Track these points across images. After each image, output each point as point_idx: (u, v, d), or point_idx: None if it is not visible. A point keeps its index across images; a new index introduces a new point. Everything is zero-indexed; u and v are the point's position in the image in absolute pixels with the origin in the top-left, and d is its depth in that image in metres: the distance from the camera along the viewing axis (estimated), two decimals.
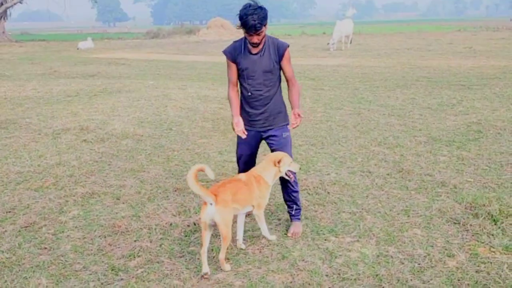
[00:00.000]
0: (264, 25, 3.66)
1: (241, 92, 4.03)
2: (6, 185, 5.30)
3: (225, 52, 3.95)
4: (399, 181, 5.24)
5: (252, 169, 3.91)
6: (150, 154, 6.39)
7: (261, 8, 3.63)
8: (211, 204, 3.39)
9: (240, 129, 3.92)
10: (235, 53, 3.89)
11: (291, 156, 3.96)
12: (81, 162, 6.03)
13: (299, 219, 4.20)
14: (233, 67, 3.94)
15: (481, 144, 6.49)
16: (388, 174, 5.46)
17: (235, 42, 3.95)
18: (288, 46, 3.93)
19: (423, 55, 19.46)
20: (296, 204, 4.18)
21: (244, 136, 3.93)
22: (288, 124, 4.08)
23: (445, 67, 15.16)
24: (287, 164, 3.85)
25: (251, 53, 3.84)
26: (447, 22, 68.86)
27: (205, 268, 3.47)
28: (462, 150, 6.23)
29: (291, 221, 4.22)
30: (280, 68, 3.94)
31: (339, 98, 10.22)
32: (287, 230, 4.11)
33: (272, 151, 4.03)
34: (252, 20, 3.57)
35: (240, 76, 3.97)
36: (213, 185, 3.64)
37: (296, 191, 4.16)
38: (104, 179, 5.47)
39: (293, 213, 4.19)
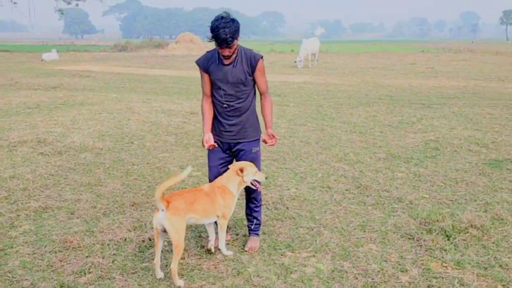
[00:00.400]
0: (236, 39, 3.62)
1: (214, 103, 3.95)
2: None
3: (197, 62, 3.91)
4: (357, 197, 5.30)
5: (216, 179, 3.87)
6: (108, 168, 6.26)
7: (233, 20, 3.59)
8: (162, 210, 3.39)
9: (210, 144, 3.87)
10: (207, 63, 3.84)
11: (259, 170, 3.94)
12: (36, 175, 5.86)
13: (257, 234, 4.18)
14: (206, 77, 3.88)
15: (437, 161, 6.64)
16: (347, 190, 5.52)
17: (208, 52, 3.91)
18: (262, 57, 3.89)
19: (387, 74, 19.93)
20: (257, 219, 4.15)
21: (210, 148, 3.91)
22: (259, 139, 4.04)
23: (407, 86, 15.56)
24: (251, 173, 3.82)
25: (223, 64, 3.79)
26: (412, 43, 71.01)
27: (159, 274, 3.51)
28: (419, 167, 6.36)
29: (249, 235, 4.18)
30: (254, 80, 3.89)
31: (303, 115, 10.32)
32: (244, 246, 4.08)
33: None
34: (223, 34, 3.52)
35: (212, 86, 3.90)
36: (171, 193, 3.62)
37: (259, 206, 4.15)
38: (59, 193, 5.32)
39: (252, 227, 4.15)
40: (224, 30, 3.51)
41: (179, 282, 3.46)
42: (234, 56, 3.76)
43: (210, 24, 3.60)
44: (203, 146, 3.92)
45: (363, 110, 10.80)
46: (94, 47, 47.60)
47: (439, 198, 5.22)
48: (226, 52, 3.66)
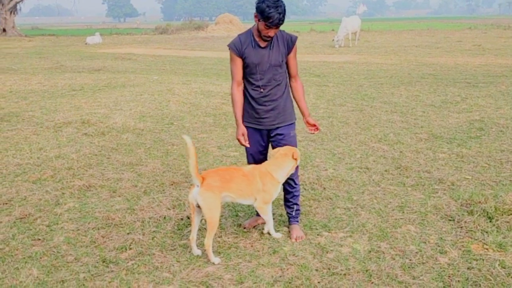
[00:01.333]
0: (283, 22, 3.54)
1: (247, 89, 3.81)
2: (5, 177, 5.34)
3: (230, 46, 3.70)
4: (397, 178, 5.21)
5: (263, 164, 3.79)
6: (149, 148, 6.41)
7: (281, 0, 3.50)
8: (197, 186, 3.46)
9: (246, 141, 3.80)
10: (241, 47, 3.66)
11: None
12: (80, 155, 6.06)
13: (298, 221, 4.05)
14: (239, 62, 3.71)
15: (482, 141, 6.43)
16: (386, 171, 5.43)
17: (240, 35, 3.74)
18: (297, 38, 3.79)
19: (431, 52, 19.31)
20: (297, 205, 4.02)
21: (248, 146, 3.83)
22: (295, 122, 3.94)
23: (452, 64, 15.03)
24: (299, 157, 3.81)
25: (259, 47, 3.65)
26: (458, 20, 68.26)
27: (195, 251, 3.61)
28: (462, 148, 6.18)
29: (290, 224, 4.04)
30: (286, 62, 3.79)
31: (342, 95, 10.18)
32: (287, 228, 4.06)
33: None
34: (277, 13, 3.41)
35: (246, 71, 3.75)
36: (208, 170, 3.68)
37: (298, 190, 4.04)
38: (102, 172, 5.49)
39: (293, 214, 4.01)
40: (277, 9, 3.42)
41: (215, 259, 3.53)
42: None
43: (258, 3, 3.49)
44: (238, 139, 3.82)
45: (404, 90, 10.53)
46: (136, 30, 48.34)
47: (482, 179, 5.06)
48: (273, 32, 3.54)
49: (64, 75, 13.47)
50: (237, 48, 3.67)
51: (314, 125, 3.89)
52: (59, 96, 10.11)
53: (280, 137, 3.85)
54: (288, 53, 3.74)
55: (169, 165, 5.74)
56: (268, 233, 3.94)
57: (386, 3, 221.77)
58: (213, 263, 3.52)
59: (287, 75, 3.86)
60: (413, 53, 19.24)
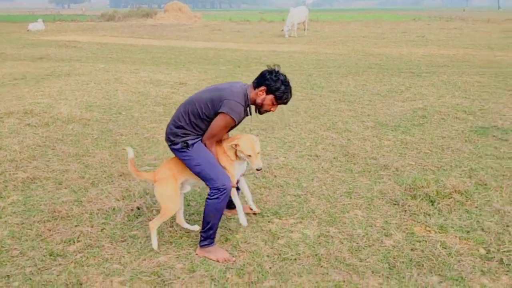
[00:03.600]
0: None
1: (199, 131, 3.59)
2: None
3: (235, 117, 3.39)
4: (345, 165, 5.35)
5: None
6: (96, 139, 6.25)
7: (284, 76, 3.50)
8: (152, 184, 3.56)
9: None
10: (241, 118, 3.51)
11: None
12: (23, 146, 5.83)
13: None
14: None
15: (425, 129, 6.69)
16: (334, 158, 5.56)
17: (240, 104, 3.40)
18: None
19: (377, 43, 19.82)
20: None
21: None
22: None
23: (397, 55, 15.51)
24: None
25: (249, 114, 3.60)
26: (404, 12, 70.34)
27: (191, 227, 3.83)
28: (406, 135, 6.41)
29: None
30: None
31: (292, 84, 10.22)
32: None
33: None
34: (290, 94, 3.51)
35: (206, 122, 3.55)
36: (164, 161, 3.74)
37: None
38: (46, 163, 5.31)
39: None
40: (289, 87, 3.49)
41: (155, 243, 3.57)
42: None
43: (270, 81, 3.41)
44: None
45: (352, 79, 10.78)
46: (81, 17, 46.68)
47: (424, 165, 5.28)
48: (276, 109, 3.57)
49: (4, 64, 12.86)
50: (240, 119, 3.49)
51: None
52: (0, 85, 9.64)
53: None
54: None
55: (118, 155, 5.63)
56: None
57: None
58: (153, 248, 3.55)
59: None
60: (360, 43, 19.68)
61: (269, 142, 6.18)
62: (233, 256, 3.47)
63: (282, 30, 23.39)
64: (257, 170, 3.50)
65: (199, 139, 3.54)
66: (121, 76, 10.51)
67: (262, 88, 3.45)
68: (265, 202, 4.38)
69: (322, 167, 5.26)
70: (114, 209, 4.19)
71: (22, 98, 8.31)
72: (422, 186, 4.49)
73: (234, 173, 3.60)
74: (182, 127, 3.50)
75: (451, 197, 4.31)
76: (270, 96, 3.46)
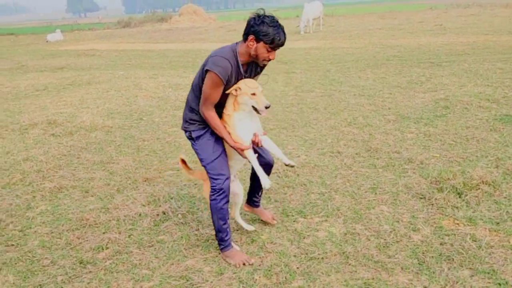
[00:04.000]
0: None
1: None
2: None
3: (220, 73, 3.15)
4: (367, 160, 5.30)
5: None
6: (119, 145, 6.33)
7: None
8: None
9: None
10: (229, 75, 3.22)
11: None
12: (49, 156, 5.94)
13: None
14: (222, 88, 3.26)
15: (448, 119, 6.59)
16: (357, 154, 5.52)
17: (227, 59, 3.19)
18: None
19: (394, 34, 19.58)
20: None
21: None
22: None
23: (415, 45, 15.29)
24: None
25: (241, 73, 3.29)
26: (420, 1, 69.28)
27: (249, 227, 3.85)
28: (429, 127, 6.32)
29: (257, 208, 4.01)
30: None
31: (310, 81, 10.24)
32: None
33: None
34: (282, 31, 3.13)
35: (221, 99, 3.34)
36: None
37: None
38: (72, 172, 5.40)
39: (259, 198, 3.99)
40: (279, 27, 3.13)
41: (247, 226, 3.80)
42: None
43: (255, 27, 3.12)
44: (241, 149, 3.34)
45: (371, 73, 10.67)
46: (98, 25, 47.29)
47: (449, 156, 5.20)
48: (274, 55, 3.22)
49: (26, 75, 13.12)
50: (228, 75, 3.21)
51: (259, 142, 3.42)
52: (23, 97, 9.85)
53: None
54: (257, 74, 3.46)
55: (141, 161, 5.69)
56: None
57: None
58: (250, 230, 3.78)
59: None
60: (377, 35, 19.47)
61: (290, 140, 6.17)
62: (258, 257, 3.47)
63: (298, 26, 23.28)
64: (266, 108, 3.20)
65: (203, 131, 3.43)
66: (140, 82, 10.62)
67: (251, 37, 3.14)
68: (289, 202, 4.37)
69: (345, 164, 5.22)
70: (140, 214, 4.24)
71: (45, 109, 8.47)
72: (448, 179, 4.42)
73: (237, 131, 3.34)
74: (189, 111, 3.45)
75: (479, 188, 4.23)
76: (261, 43, 3.15)
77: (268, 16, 3.15)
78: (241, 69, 3.27)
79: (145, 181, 5.04)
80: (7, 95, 10.17)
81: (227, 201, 3.45)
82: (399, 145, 5.68)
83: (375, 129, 6.38)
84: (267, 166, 3.64)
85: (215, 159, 3.41)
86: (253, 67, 3.38)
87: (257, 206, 4.00)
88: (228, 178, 3.41)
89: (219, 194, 3.38)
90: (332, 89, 9.22)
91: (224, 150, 3.49)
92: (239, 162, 3.62)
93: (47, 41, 27.78)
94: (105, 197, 4.70)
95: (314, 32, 22.81)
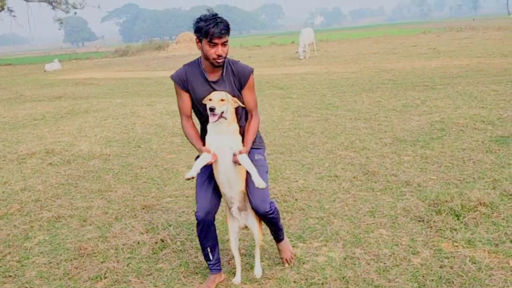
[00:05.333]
0: (228, 34, 3.13)
1: (202, 124, 3.42)
2: None
3: (173, 77, 3.29)
4: (365, 183, 5.31)
5: None
6: (117, 173, 6.33)
7: (220, 16, 3.14)
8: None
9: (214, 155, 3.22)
10: (186, 79, 3.26)
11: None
12: (47, 185, 5.94)
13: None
14: (186, 97, 3.29)
15: (444, 142, 6.64)
16: (354, 177, 5.53)
17: (185, 65, 3.31)
18: (253, 70, 3.35)
19: (389, 58, 19.84)
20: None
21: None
22: (262, 148, 3.56)
23: (409, 69, 15.48)
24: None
25: (208, 81, 3.23)
26: (413, 25, 70.42)
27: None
28: (425, 149, 6.36)
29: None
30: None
31: (307, 106, 10.33)
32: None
33: None
34: (215, 22, 3.03)
35: (195, 107, 3.34)
36: None
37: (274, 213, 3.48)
38: (70, 201, 5.39)
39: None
40: (215, 19, 3.05)
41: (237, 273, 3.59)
42: (220, 70, 3.25)
43: (194, 25, 3.14)
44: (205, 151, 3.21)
45: (366, 97, 10.78)
46: (96, 54, 47.78)
47: (447, 178, 5.22)
48: (220, 50, 3.09)
49: (24, 105, 13.18)
50: (182, 81, 3.26)
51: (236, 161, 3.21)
52: (21, 126, 9.89)
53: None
54: (242, 88, 3.32)
55: (139, 189, 5.69)
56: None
57: (342, 12, 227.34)
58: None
59: (246, 109, 3.42)
60: (371, 60, 19.72)
61: (288, 165, 6.19)
62: (258, 284, 3.45)
63: (297, 52, 23.52)
64: (210, 110, 3.06)
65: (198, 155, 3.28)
66: (137, 110, 10.68)
67: (196, 40, 3.18)
68: (288, 227, 4.36)
69: (343, 187, 5.24)
70: (138, 242, 4.22)
71: (43, 138, 8.49)
72: (446, 201, 4.43)
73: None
74: None
75: (477, 210, 4.24)
76: (203, 41, 3.12)
77: (205, 15, 3.13)
78: (206, 75, 3.24)
79: (143, 208, 5.03)
80: (4, 125, 10.20)
81: (203, 232, 3.36)
82: (396, 168, 5.71)
83: (372, 153, 6.42)
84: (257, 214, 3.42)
85: (200, 185, 3.37)
86: (230, 78, 3.27)
87: (277, 241, 3.71)
88: (204, 209, 3.26)
89: (197, 222, 3.33)
90: (328, 113, 9.30)
91: (210, 179, 3.34)
92: (222, 175, 3.26)
93: (45, 71, 28.00)
94: (103, 225, 4.68)
95: (309, 58, 23.08)
